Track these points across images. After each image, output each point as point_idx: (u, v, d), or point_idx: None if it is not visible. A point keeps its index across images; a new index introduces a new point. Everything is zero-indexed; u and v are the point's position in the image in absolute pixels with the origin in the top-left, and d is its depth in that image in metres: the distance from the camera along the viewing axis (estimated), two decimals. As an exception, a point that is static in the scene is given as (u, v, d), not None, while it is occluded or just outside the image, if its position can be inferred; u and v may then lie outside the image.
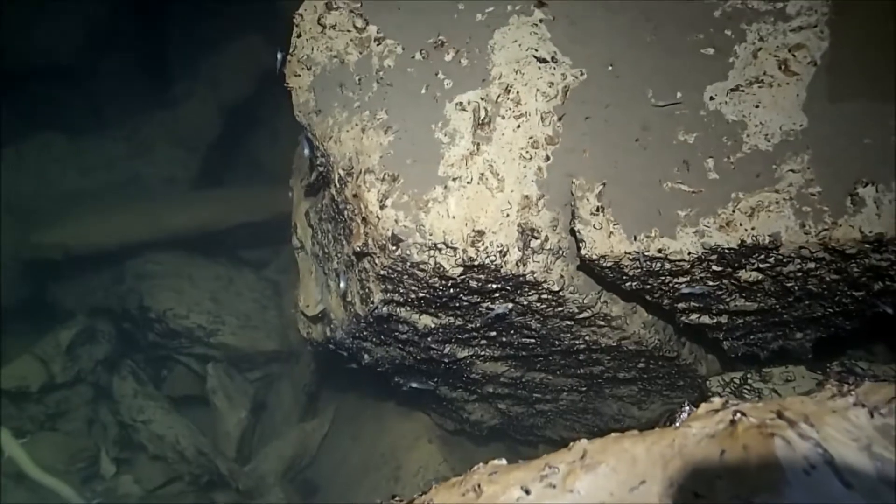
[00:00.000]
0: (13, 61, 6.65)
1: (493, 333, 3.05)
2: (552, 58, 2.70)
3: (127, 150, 6.43)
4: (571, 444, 1.48)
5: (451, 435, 4.68)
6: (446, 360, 3.30)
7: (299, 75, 3.04)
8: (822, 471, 1.29)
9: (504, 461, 1.53)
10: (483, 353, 3.25)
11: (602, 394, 3.57)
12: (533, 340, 3.05)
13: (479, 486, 1.44)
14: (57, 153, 6.42)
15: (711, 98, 2.51)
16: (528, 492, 1.41)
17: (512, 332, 3.01)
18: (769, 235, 2.29)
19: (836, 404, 1.43)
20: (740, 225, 2.32)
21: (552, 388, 3.55)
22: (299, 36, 3.07)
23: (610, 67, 2.65)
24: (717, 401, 1.51)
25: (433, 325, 3.00)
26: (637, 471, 1.37)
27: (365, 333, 3.28)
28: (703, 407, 1.51)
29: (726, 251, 2.34)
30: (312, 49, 3.03)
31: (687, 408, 1.64)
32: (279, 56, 3.19)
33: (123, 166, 6.33)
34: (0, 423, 4.93)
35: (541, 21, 2.78)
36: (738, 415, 1.40)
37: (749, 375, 3.03)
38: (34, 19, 6.66)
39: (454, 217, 2.53)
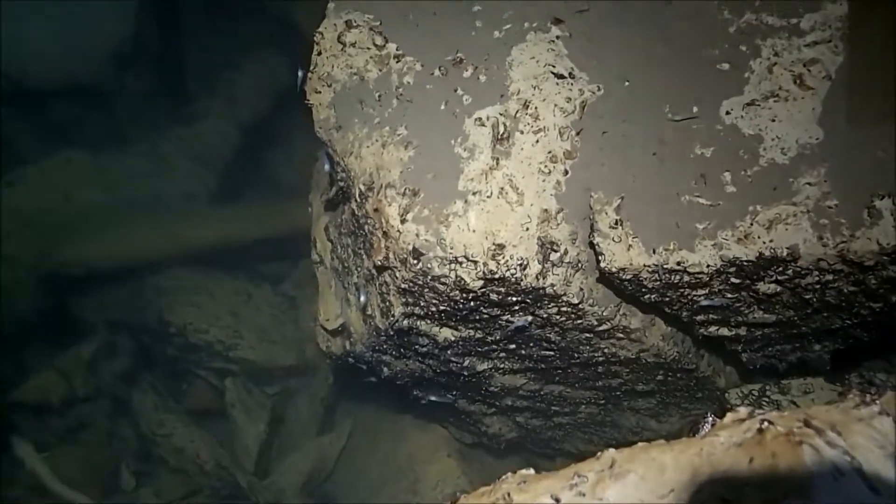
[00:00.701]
0: (36, 80, 6.80)
1: (513, 346, 3.08)
2: (569, 73, 2.75)
3: (147, 167, 6.52)
4: (599, 453, 1.51)
5: (469, 448, 4.69)
6: (465, 373, 3.33)
7: (320, 92, 3.10)
8: (850, 477, 1.32)
9: (532, 471, 1.56)
10: (502, 365, 3.27)
11: (620, 406, 3.59)
12: (552, 353, 3.08)
13: (508, 494, 1.47)
14: (79, 170, 6.51)
15: (727, 112, 2.54)
16: (557, 500, 1.44)
17: (531, 344, 3.04)
18: (787, 248, 2.31)
19: (861, 413, 1.45)
20: (758, 237, 2.34)
21: (571, 400, 3.57)
22: (320, 54, 3.13)
23: (626, 83, 2.70)
24: (742, 410, 1.54)
25: (453, 338, 3.03)
26: (666, 479, 1.39)
27: (385, 347, 3.32)
28: (729, 416, 1.54)
29: (745, 263, 2.36)
30: (333, 66, 3.09)
31: (710, 418, 1.67)
32: (300, 74, 3.25)
33: (144, 183, 6.42)
34: (22, 436, 5.01)
35: (557, 38, 2.83)
36: (766, 423, 1.42)
37: (768, 387, 3.04)
38: (56, 38, 6.80)
39: (474, 231, 2.57)
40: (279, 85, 6.88)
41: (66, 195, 6.35)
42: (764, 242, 2.34)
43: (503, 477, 1.59)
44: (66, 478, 4.92)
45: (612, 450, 1.50)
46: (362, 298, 3.23)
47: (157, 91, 7.19)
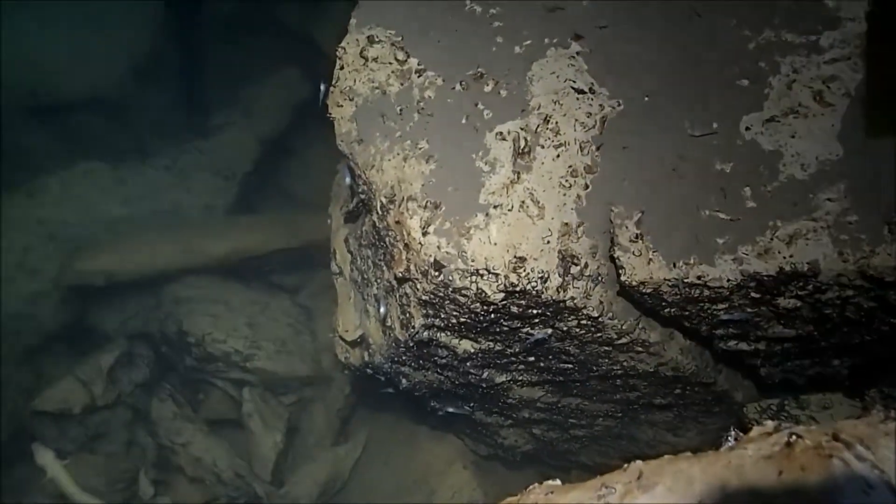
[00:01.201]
0: (58, 92, 6.91)
1: (532, 358, 3.10)
2: (590, 89, 2.79)
3: (167, 179, 6.60)
4: (626, 464, 1.53)
5: (484, 460, 4.70)
6: (484, 385, 3.35)
7: (342, 106, 3.15)
8: (880, 490, 1.34)
9: (558, 481, 1.58)
10: (520, 377, 3.29)
11: (637, 420, 3.59)
12: (570, 365, 3.10)
13: (535, 504, 1.49)
14: (99, 182, 6.62)
15: (747, 128, 2.57)
16: (585, 511, 1.46)
17: (550, 357, 3.06)
18: (807, 263, 2.33)
19: (888, 427, 1.47)
20: (778, 252, 2.36)
21: (588, 413, 3.58)
22: (342, 68, 3.19)
23: (646, 98, 2.73)
24: (769, 424, 1.56)
25: (473, 350, 3.06)
26: (694, 491, 1.41)
27: (404, 358, 3.35)
28: (756, 430, 1.56)
29: (765, 278, 2.38)
30: (355, 80, 3.14)
31: (733, 432, 1.69)
32: (322, 88, 3.30)
33: (164, 195, 6.50)
34: (43, 444, 5.07)
35: (578, 53, 2.87)
36: (794, 437, 1.44)
37: (786, 402, 3.03)
38: (78, 52, 6.92)
39: (496, 243, 2.60)
40: (297, 99, 6.96)
41: (87, 206, 6.45)
42: (784, 257, 2.35)
43: (529, 487, 1.61)
44: (86, 485, 4.97)
45: (639, 461, 1.51)
46: (382, 310, 3.26)
47: (178, 104, 7.28)
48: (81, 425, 5.25)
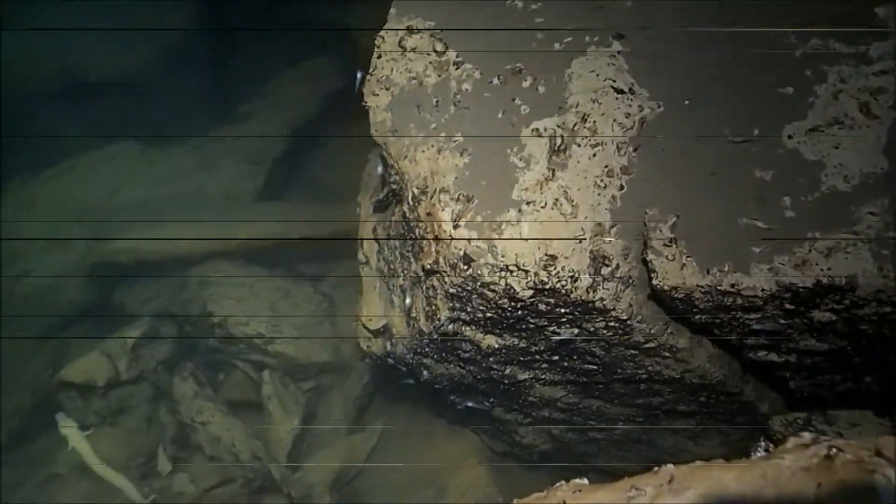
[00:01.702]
0: (89, 76, 7.01)
1: (556, 358, 3.08)
2: (629, 89, 2.76)
3: (194, 164, 6.68)
4: (657, 467, 1.51)
5: (500, 457, 4.68)
6: (506, 382, 3.34)
7: (377, 95, 3.16)
8: (922, 510, 1.31)
9: (586, 481, 1.57)
10: (543, 376, 3.27)
11: (658, 425, 3.55)
12: (595, 367, 3.07)
13: (564, 503, 1.48)
14: (128, 163, 6.72)
15: (790, 137, 2.52)
16: (614, 512, 1.44)
17: (575, 357, 3.03)
18: (845, 277, 2.28)
19: (930, 446, 1.44)
20: (816, 265, 2.32)
21: (609, 416, 3.55)
22: (380, 57, 3.19)
23: (687, 102, 2.69)
24: (806, 436, 1.53)
25: (497, 346, 3.05)
26: (727, 498, 1.39)
27: (427, 350, 3.35)
28: (792, 441, 1.53)
29: (801, 290, 2.34)
30: (392, 70, 3.14)
31: (763, 443, 1.66)
32: (358, 76, 3.31)
33: (190, 178, 6.58)
34: (67, 414, 5.15)
35: (619, 53, 2.84)
36: (835, 450, 1.41)
37: (814, 417, 2.98)
38: (110, 36, 7.00)
39: (527, 240, 2.58)
40: (328, 87, 6.98)
41: (115, 187, 6.56)
42: (822, 270, 2.31)
43: (557, 485, 1.60)
44: (106, 458, 5.05)
45: (670, 465, 1.50)
46: (407, 301, 3.26)
47: (207, 90, 7.36)
48: (104, 399, 5.33)
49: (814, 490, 1.37)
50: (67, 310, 5.76)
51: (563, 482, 1.61)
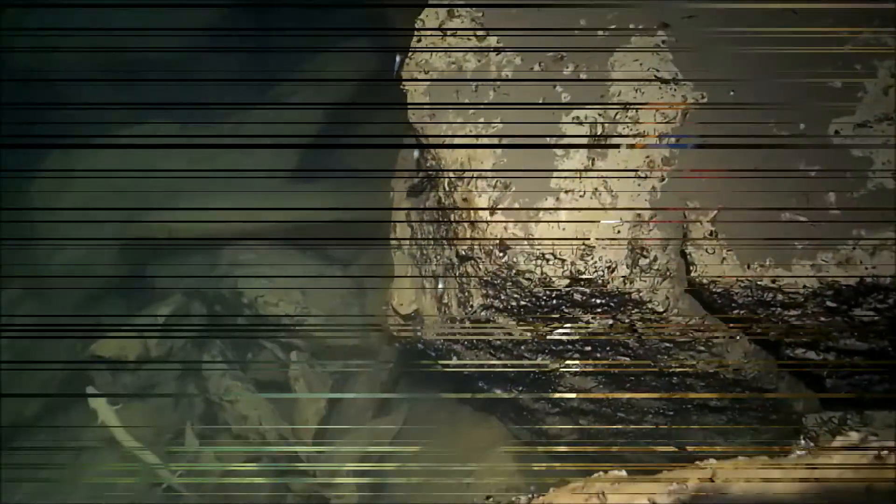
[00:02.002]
0: (129, 54, 7.07)
1: (588, 348, 3.06)
2: (673, 79, 2.72)
3: (231, 142, 6.71)
4: (699, 461, 1.50)
5: (525, 445, 4.68)
6: (536, 370, 3.33)
7: (416, 79, 3.14)
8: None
9: (624, 472, 1.56)
10: (574, 366, 3.26)
11: (688, 420, 3.52)
12: (628, 359, 3.05)
13: (603, 493, 1.47)
14: (165, 140, 6.77)
15: (836, 132, 2.47)
16: (654, 504, 1.43)
17: (608, 348, 3.01)
18: (891, 276, 2.24)
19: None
20: (860, 262, 2.28)
21: (638, 409, 3.52)
22: (419, 41, 3.17)
23: (731, 93, 2.65)
24: (855, 435, 1.51)
25: (529, 335, 3.04)
26: (771, 495, 1.37)
27: (457, 336, 3.34)
28: (839, 440, 1.51)
29: (843, 288, 2.30)
30: (431, 54, 3.13)
31: (803, 441, 1.64)
32: (397, 59, 3.29)
33: (226, 157, 6.61)
34: (97, 389, 5.24)
35: (663, 42, 2.80)
36: (885, 451, 1.39)
37: (849, 416, 2.93)
38: (151, 15, 7.05)
39: (564, 229, 2.57)
40: (363, 72, 6.97)
41: (153, 164, 6.61)
42: (866, 268, 2.27)
43: (595, 475, 1.59)
44: (135, 433, 5.13)
45: (713, 460, 1.48)
46: (440, 286, 3.26)
47: (246, 71, 7.38)
48: (134, 374, 5.41)
49: (863, 489, 1.34)
50: (100, 283, 5.84)
51: (600, 473, 1.60)
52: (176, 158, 6.61)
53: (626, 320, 2.75)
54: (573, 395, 3.53)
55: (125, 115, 6.95)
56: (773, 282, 2.34)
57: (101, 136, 6.59)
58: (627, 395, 3.37)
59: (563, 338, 2.95)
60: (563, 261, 2.55)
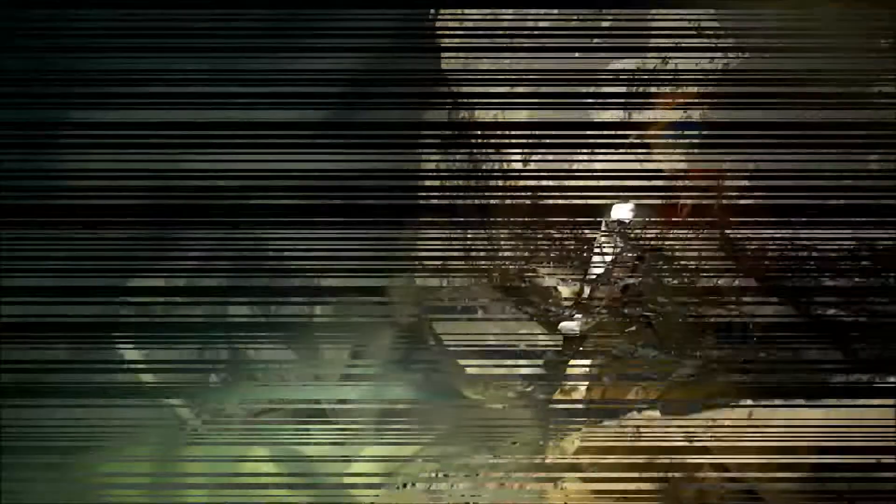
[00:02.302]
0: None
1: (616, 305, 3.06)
2: (714, 33, 2.66)
3: (258, 91, 6.70)
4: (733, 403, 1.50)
5: (547, 405, 4.71)
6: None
7: (450, 32, 3.11)
8: None
9: (657, 412, 1.57)
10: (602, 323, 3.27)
11: (714, 378, 3.53)
12: (653, 314, 3.05)
13: (637, 428, 1.49)
14: (194, 90, 6.76)
15: (881, 91, 2.42)
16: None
17: (636, 305, 3.01)
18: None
19: None
20: (899, 223, 2.25)
21: (663, 367, 3.53)
22: (454, -9, 3.13)
23: (774, 55, 2.59)
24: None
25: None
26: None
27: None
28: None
29: (881, 249, 2.27)
30: (463, 9, 3.09)
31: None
32: (431, 13, 3.26)
33: (253, 107, 6.60)
34: (124, 334, 5.32)
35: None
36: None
37: (877, 379, 2.92)
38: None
39: (599, 181, 2.56)
40: (395, 25, 6.89)
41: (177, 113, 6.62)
42: (904, 230, 2.24)
43: (628, 415, 1.61)
44: (160, 378, 5.22)
45: (749, 401, 1.49)
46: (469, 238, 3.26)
47: (271, 26, 7.33)
48: (161, 320, 5.49)
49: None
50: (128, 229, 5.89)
51: (634, 412, 1.62)
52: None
53: (657, 275, 2.74)
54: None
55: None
56: (810, 240, 2.32)
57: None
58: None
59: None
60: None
